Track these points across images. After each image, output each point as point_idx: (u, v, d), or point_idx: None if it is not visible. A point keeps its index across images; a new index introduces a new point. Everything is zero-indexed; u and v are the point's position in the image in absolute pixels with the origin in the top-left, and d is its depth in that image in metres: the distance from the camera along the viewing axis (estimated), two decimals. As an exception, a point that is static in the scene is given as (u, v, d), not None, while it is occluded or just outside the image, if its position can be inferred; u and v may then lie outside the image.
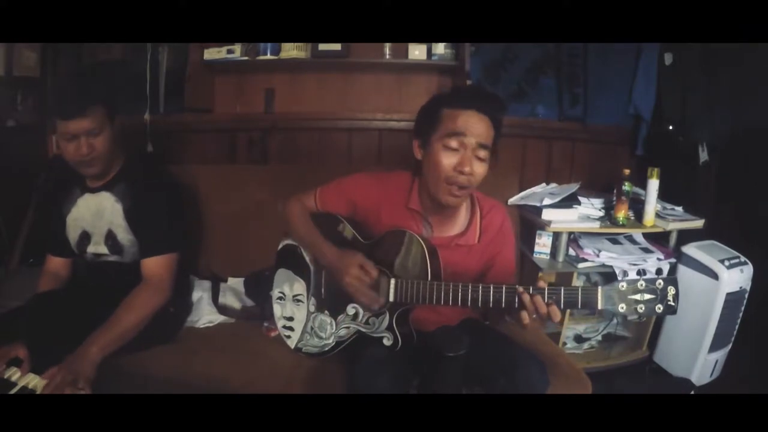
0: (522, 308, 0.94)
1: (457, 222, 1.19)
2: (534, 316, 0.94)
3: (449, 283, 1.02)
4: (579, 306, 0.93)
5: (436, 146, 1.07)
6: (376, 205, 1.20)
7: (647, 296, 0.88)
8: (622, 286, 0.90)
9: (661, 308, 0.88)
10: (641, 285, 0.89)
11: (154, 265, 1.26)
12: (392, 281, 1.08)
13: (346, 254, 1.12)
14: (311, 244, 1.22)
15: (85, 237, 1.31)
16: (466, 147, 1.05)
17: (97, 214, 1.29)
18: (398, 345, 1.08)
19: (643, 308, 0.89)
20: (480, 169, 1.07)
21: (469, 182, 1.07)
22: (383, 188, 1.20)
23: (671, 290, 0.88)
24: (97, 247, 1.31)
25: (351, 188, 1.23)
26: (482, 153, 1.06)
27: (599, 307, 0.90)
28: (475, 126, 1.05)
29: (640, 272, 0.87)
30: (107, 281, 1.31)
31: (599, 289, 0.90)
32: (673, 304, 0.88)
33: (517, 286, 0.95)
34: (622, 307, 0.89)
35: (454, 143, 1.05)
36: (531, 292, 0.94)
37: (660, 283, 0.88)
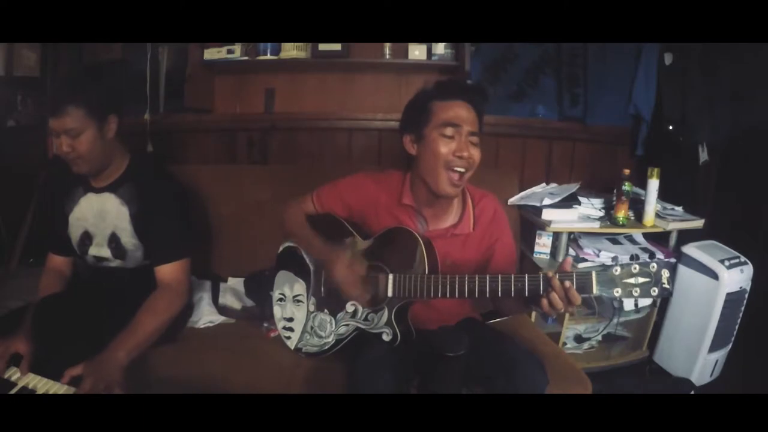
0: (550, 292, 0.92)
1: (450, 213, 1.21)
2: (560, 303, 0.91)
3: (446, 275, 1.03)
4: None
5: (432, 136, 1.11)
6: (371, 205, 1.22)
7: (642, 279, 0.88)
8: (616, 271, 0.89)
9: (656, 291, 0.88)
10: (635, 269, 0.89)
11: (172, 271, 1.25)
12: (390, 276, 1.09)
13: (335, 248, 1.16)
14: (302, 239, 1.25)
15: (87, 238, 1.29)
16: (461, 134, 1.10)
17: (100, 216, 1.28)
18: (397, 340, 1.09)
19: (638, 291, 0.88)
20: (475, 152, 1.11)
21: (469, 165, 1.10)
22: (376, 188, 1.22)
23: (665, 273, 0.88)
24: (99, 249, 1.29)
25: (345, 191, 1.25)
26: (474, 138, 1.11)
27: (594, 291, 0.90)
28: (466, 115, 1.11)
29: (633, 257, 0.88)
30: (110, 285, 1.30)
31: (593, 273, 0.90)
32: (668, 286, 0.87)
33: (514, 276, 0.96)
34: (617, 291, 0.89)
35: (449, 131, 1.10)
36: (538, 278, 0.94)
37: (654, 267, 0.88)
